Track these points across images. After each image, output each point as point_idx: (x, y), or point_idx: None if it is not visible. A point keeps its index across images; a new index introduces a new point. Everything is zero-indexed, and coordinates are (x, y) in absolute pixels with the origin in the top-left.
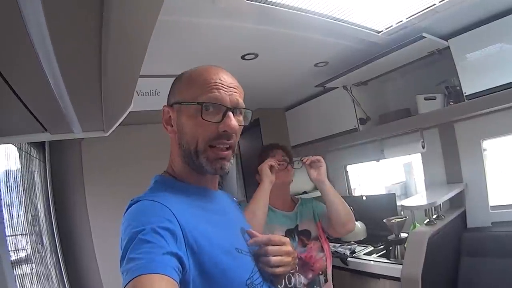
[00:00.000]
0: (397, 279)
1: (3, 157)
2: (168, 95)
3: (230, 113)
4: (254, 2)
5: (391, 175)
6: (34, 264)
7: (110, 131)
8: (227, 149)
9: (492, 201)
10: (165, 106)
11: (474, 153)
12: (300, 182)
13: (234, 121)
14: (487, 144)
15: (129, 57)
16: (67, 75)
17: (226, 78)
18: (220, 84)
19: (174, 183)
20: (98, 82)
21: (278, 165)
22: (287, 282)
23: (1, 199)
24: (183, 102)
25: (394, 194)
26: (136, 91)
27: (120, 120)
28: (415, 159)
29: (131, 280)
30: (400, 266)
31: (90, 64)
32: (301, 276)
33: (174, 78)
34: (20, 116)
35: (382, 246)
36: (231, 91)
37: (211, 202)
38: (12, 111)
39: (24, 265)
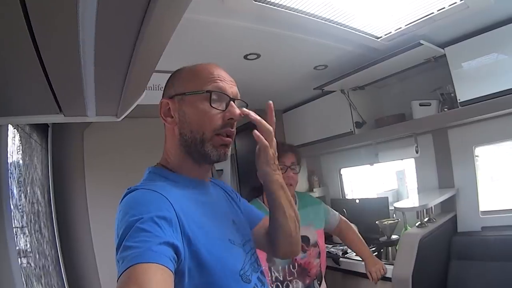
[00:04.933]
0: (388, 279)
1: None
2: (164, 89)
3: (232, 103)
4: (261, 3)
5: (383, 181)
6: (32, 253)
7: (122, 116)
8: (229, 136)
9: (483, 207)
10: (163, 99)
11: (466, 159)
12: None
13: (238, 110)
14: (479, 150)
15: (155, 48)
16: (100, 57)
17: (225, 73)
18: (222, 77)
19: (168, 174)
20: (126, 69)
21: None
22: None
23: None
24: (188, 92)
25: (387, 197)
26: None
27: (133, 107)
28: (408, 167)
29: (127, 269)
30: (392, 267)
31: (124, 50)
32: (299, 282)
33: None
34: (39, 95)
35: (374, 248)
36: (231, 84)
37: (205, 194)
38: (34, 89)
39: (22, 254)
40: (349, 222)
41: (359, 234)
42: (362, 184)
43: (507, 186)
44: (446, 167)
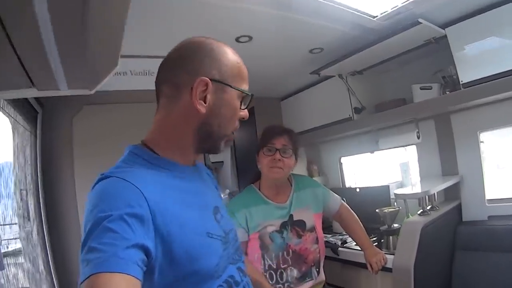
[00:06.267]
0: (389, 270)
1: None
2: (195, 63)
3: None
4: None
5: (387, 173)
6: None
7: (95, 89)
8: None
9: (489, 195)
10: (204, 77)
11: (470, 145)
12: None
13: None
14: (484, 136)
15: (112, 14)
16: (57, 28)
17: None
18: (247, 76)
19: (151, 157)
20: (83, 37)
21: (279, 150)
22: (278, 278)
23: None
24: (235, 86)
25: (388, 186)
26: (130, 71)
27: (106, 79)
28: (412, 159)
29: (89, 277)
30: (392, 257)
31: (75, 17)
32: (294, 269)
33: (197, 46)
34: (11, 70)
35: (374, 238)
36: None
37: (189, 181)
38: (5, 64)
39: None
40: (350, 209)
41: (360, 223)
42: (365, 175)
43: None
44: (450, 153)
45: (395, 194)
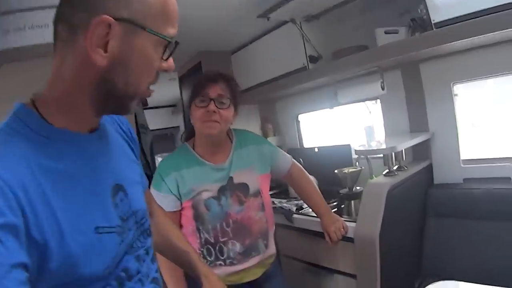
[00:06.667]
0: (350, 239)
1: None
2: None
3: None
4: None
5: (350, 137)
6: None
7: None
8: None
9: (464, 155)
10: (105, 16)
11: (443, 98)
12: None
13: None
14: (458, 88)
15: None
16: None
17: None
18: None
19: (35, 125)
20: None
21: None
22: (218, 254)
23: None
24: (151, 30)
25: (349, 145)
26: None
27: None
28: (377, 123)
29: None
30: (354, 224)
31: None
32: (236, 243)
33: None
34: None
35: (334, 203)
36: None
37: (81, 158)
38: None
39: None
40: (304, 170)
41: (316, 185)
42: (325, 136)
43: (492, 133)
44: (419, 108)
45: (356, 151)
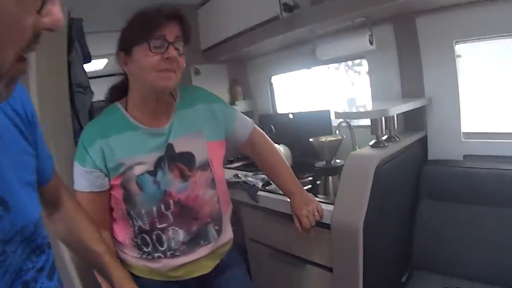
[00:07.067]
0: (326, 226)
1: None
2: None
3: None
4: None
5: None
6: None
7: None
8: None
9: (466, 127)
10: None
11: (443, 59)
12: None
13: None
14: (461, 49)
15: None
16: None
17: None
18: None
19: None
20: None
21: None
22: (156, 245)
23: None
24: None
25: (329, 111)
26: None
27: None
28: (361, 95)
29: None
30: (332, 207)
31: None
32: (179, 230)
33: None
34: None
35: (309, 179)
36: None
37: None
38: None
39: None
40: (268, 138)
41: (283, 157)
42: (303, 104)
43: (500, 104)
44: (413, 69)
45: (336, 114)
